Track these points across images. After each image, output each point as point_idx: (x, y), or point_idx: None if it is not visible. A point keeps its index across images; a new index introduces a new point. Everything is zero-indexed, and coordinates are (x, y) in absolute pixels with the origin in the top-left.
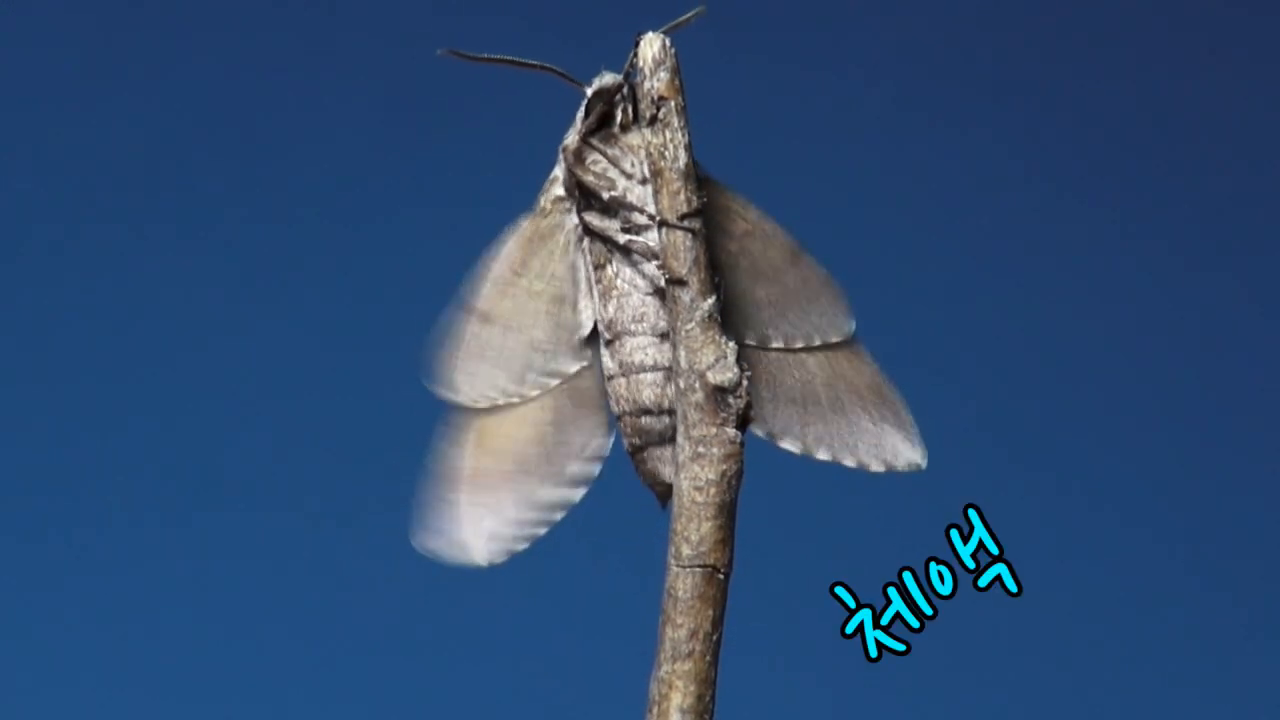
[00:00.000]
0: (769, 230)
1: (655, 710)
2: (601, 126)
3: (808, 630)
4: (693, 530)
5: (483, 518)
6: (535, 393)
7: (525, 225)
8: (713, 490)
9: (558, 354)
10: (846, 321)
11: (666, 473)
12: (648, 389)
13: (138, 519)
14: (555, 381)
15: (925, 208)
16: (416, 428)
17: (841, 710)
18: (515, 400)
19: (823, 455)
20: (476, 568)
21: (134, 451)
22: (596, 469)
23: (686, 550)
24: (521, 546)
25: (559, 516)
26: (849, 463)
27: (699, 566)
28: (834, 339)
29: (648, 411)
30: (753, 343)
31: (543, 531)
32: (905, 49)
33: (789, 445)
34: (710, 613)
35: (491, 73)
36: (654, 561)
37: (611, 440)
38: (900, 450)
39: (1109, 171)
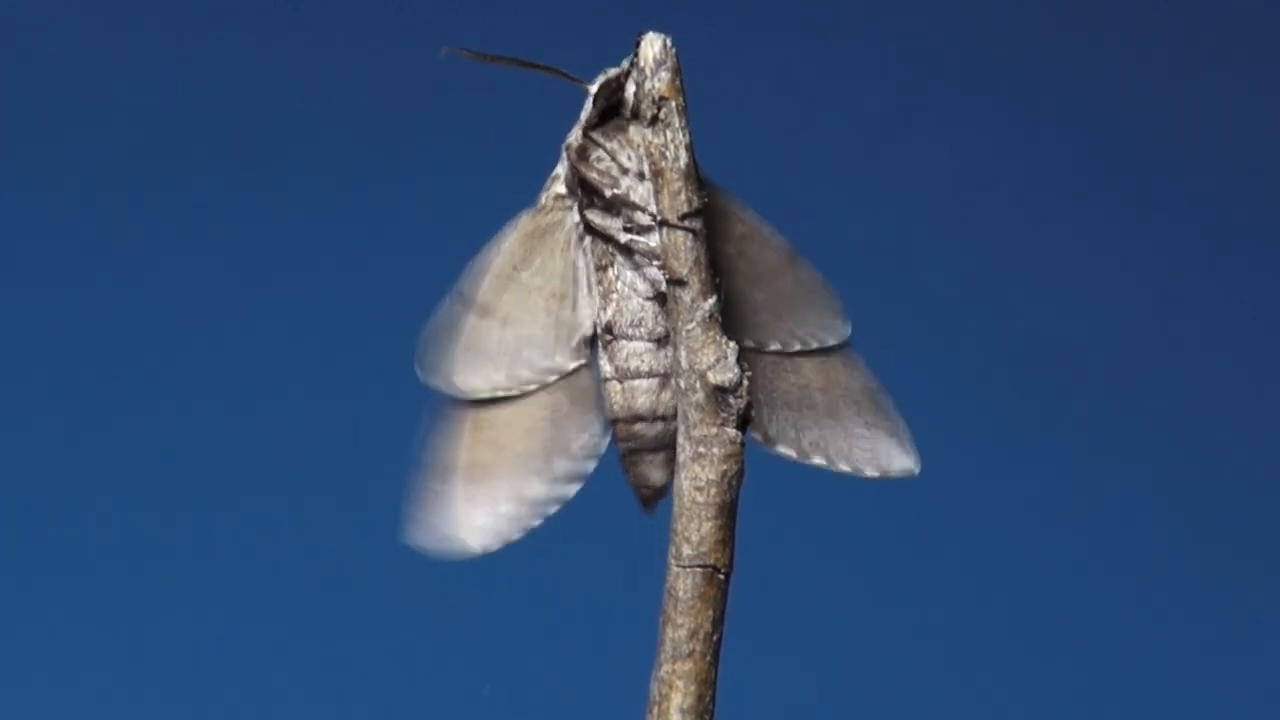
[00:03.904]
0: (766, 234)
1: (655, 710)
2: (604, 122)
3: (808, 630)
4: (693, 530)
5: (475, 511)
6: (532, 388)
7: (525, 220)
8: (713, 490)
9: (555, 351)
10: (842, 326)
11: (655, 477)
12: (642, 396)
13: (132, 518)
14: (552, 378)
15: (923, 210)
16: (415, 425)
17: (841, 710)
18: (511, 394)
19: (818, 460)
20: (468, 558)
21: (128, 450)
22: (590, 466)
23: (687, 550)
24: (515, 537)
25: (552, 511)
26: (843, 468)
27: (699, 566)
28: (830, 342)
29: (641, 418)
30: (749, 345)
31: (536, 524)
32: (905, 49)
33: (784, 450)
34: (710, 613)
35: (493, 72)
36: (654, 561)
37: (607, 439)
38: (894, 457)
39: (1108, 172)
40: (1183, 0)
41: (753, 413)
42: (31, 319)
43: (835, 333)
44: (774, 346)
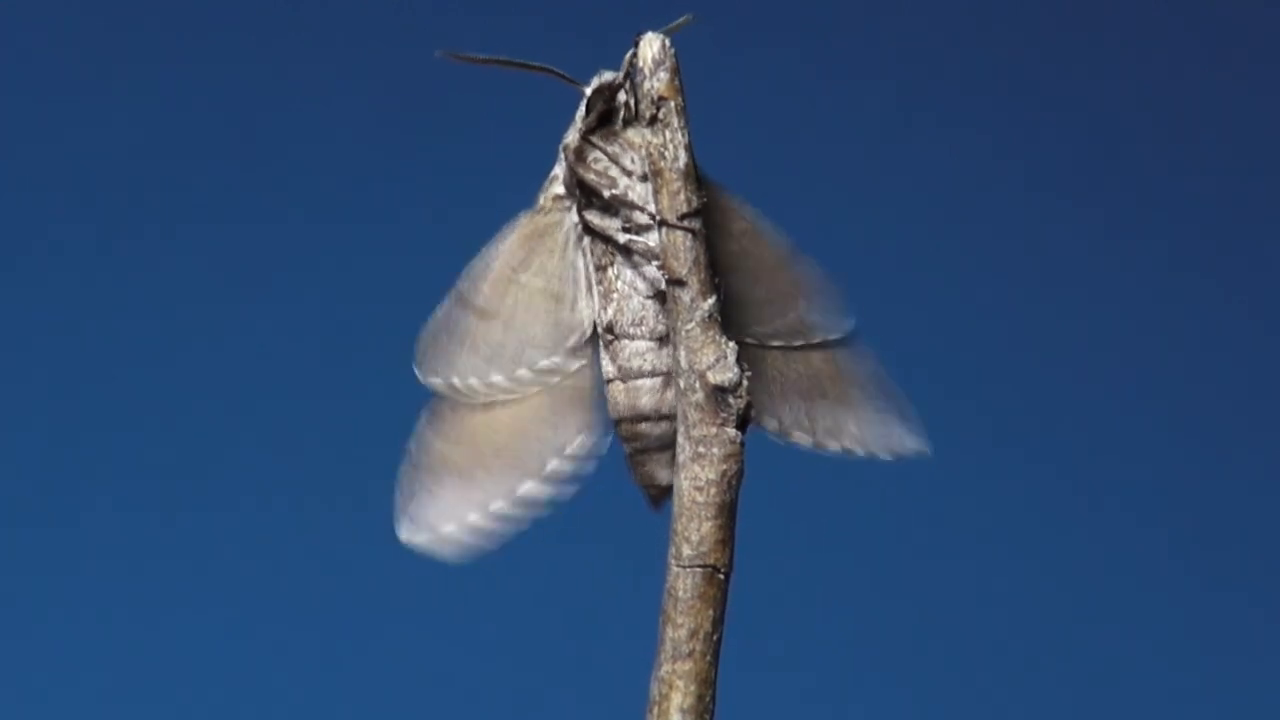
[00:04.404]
0: (765, 230)
1: (655, 710)
2: (602, 124)
3: (808, 630)
4: (693, 530)
5: (467, 511)
6: (531, 390)
7: (524, 221)
8: (713, 490)
9: (554, 352)
10: (844, 320)
11: (662, 476)
12: (646, 395)
13: (132, 518)
14: (553, 379)
15: (923, 210)
16: (414, 425)
17: (841, 710)
18: (510, 397)
19: (833, 447)
20: (459, 559)
21: (128, 450)
22: (587, 468)
23: (687, 550)
24: (507, 535)
25: (544, 512)
26: (859, 452)
27: (699, 566)
28: (833, 336)
29: (646, 418)
30: (753, 341)
31: (527, 524)
32: (905, 49)
33: (800, 438)
34: (710, 613)
35: (491, 73)
36: (654, 561)
37: (601, 441)
38: (906, 438)
39: (1108, 172)
40: (1183, 0)
41: (764, 405)
42: (31, 319)
43: (837, 327)
44: (777, 342)
